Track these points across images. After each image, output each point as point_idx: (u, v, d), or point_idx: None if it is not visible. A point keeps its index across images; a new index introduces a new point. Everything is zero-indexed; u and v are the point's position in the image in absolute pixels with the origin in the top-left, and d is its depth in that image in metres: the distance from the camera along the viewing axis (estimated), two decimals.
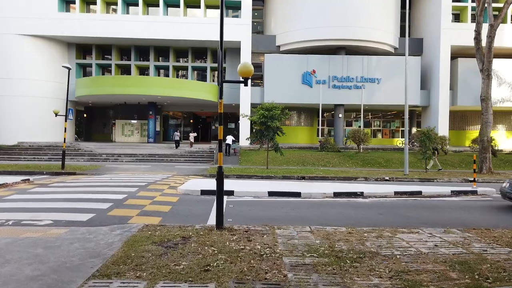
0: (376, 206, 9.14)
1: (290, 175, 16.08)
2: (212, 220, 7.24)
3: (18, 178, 12.50)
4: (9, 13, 25.68)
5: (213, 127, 34.26)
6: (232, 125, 32.86)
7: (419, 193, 10.64)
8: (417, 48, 29.55)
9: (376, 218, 7.93)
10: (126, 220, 7.06)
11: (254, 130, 18.50)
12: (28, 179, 12.36)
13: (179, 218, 7.44)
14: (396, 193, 10.51)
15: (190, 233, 5.75)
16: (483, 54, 17.94)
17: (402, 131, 32.76)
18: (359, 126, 33.17)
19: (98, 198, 9.02)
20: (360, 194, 10.27)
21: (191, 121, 33.95)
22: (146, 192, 10.06)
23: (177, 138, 24.85)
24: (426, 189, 11.32)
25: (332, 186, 11.63)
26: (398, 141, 29.97)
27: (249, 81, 5.72)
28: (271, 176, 15.83)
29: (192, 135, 25.48)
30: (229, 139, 25.21)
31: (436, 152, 19.36)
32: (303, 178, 15.88)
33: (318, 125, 32.30)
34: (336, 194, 10.14)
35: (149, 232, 5.84)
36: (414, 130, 32.11)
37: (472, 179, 15.95)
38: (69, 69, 16.19)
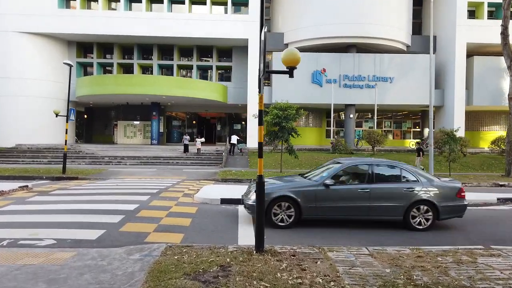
0: None
1: None
2: (244, 238, 6.17)
3: (15, 184, 11.40)
4: (7, 10, 24.59)
5: (219, 128, 33.16)
6: (238, 126, 31.76)
7: None
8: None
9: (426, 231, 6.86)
10: (143, 238, 5.97)
11: (267, 131, 17.39)
12: (27, 186, 11.26)
13: (204, 235, 6.35)
14: None
15: (227, 259, 4.66)
16: (511, 50, 16.89)
17: (414, 132, 31.77)
18: (370, 127, 32.21)
19: (106, 209, 7.92)
20: None
21: (194, 122, 32.84)
22: (160, 201, 8.97)
23: (186, 142, 23.09)
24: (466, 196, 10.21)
25: None
26: (411, 143, 28.92)
27: (295, 72, 4.60)
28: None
29: (199, 141, 23.29)
30: (234, 138, 24.60)
31: (421, 153, 18.37)
32: None
33: (329, 126, 31.26)
34: None
35: (176, 257, 4.75)
36: (426, 131, 31.08)
37: (503, 183, 14.97)
38: (70, 66, 15.10)
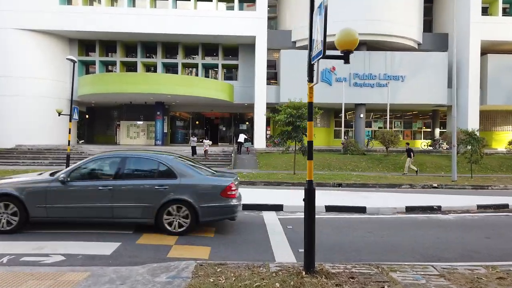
0: (469, 226, 7.25)
1: (324, 181, 14.22)
2: (280, 252, 5.36)
3: None
4: (7, 6, 23.78)
5: (224, 129, 32.34)
6: (244, 126, 30.94)
7: (505, 207, 8.78)
8: (441, 44, 27.76)
9: (486, 244, 6.04)
10: (165, 252, 5.16)
11: (280, 131, 16.59)
12: None
13: (233, 248, 5.54)
14: (479, 206, 8.62)
15: (276, 284, 3.84)
16: None
17: (424, 132, 30.99)
18: (379, 127, 31.41)
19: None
20: (438, 209, 8.39)
21: (197, 122, 31.99)
22: None
23: (194, 144, 21.56)
24: (505, 200, 9.43)
25: (393, 197, 9.75)
26: (423, 143, 28.13)
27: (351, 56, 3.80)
28: (303, 183, 13.92)
29: (207, 143, 21.86)
30: (241, 137, 24.07)
31: (412, 154, 17.57)
32: (339, 185, 14.03)
33: (338, 126, 30.49)
34: (409, 209, 8.26)
35: (211, 279, 3.94)
36: (437, 131, 30.31)
37: None
38: (74, 61, 14.29)
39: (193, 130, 30.83)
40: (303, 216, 7.74)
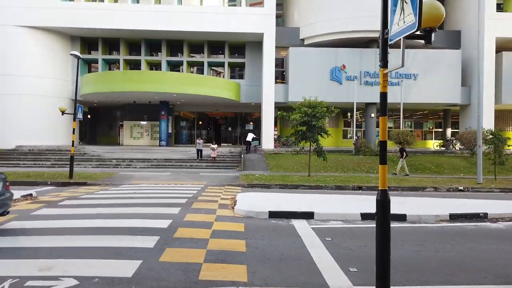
0: None
1: (343, 184, 13.46)
2: (330, 273, 4.56)
3: (17, 192, 9.79)
4: (7, 2, 23.02)
5: (230, 129, 31.55)
6: (250, 126, 30.13)
7: None
8: (454, 41, 26.98)
9: None
10: (195, 273, 4.36)
11: (294, 131, 15.82)
12: (31, 194, 9.66)
13: (272, 267, 4.74)
14: None
15: None
16: None
17: (436, 132, 30.22)
18: (389, 127, 30.63)
19: (133, 226, 6.32)
20: (484, 216, 7.60)
21: (200, 122, 31.19)
22: (195, 215, 7.36)
23: (200, 147, 20.67)
24: None
25: (429, 202, 8.97)
26: (435, 143, 27.37)
27: (433, 35, 2.98)
28: (321, 186, 13.22)
29: (215, 148, 20.57)
30: (250, 136, 23.60)
31: (404, 154, 16.88)
32: (359, 188, 13.29)
33: (347, 126, 29.76)
34: (453, 217, 7.47)
35: None
36: (449, 131, 29.54)
37: None
38: (78, 57, 13.47)
39: (198, 131, 30.08)
40: (339, 226, 7.00)
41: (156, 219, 6.92)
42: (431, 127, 30.11)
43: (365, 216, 7.30)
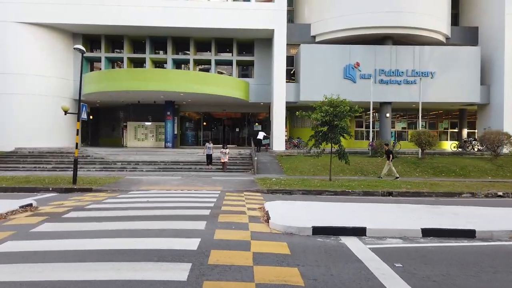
0: None
1: (371, 189, 12.36)
2: None
3: (15, 202, 8.67)
4: None
5: (236, 130, 30.42)
6: (258, 127, 28.99)
7: None
8: (471, 38, 25.91)
9: None
10: None
11: (314, 132, 14.70)
12: (30, 205, 8.52)
13: None
14: None
15: None
16: None
17: (451, 133, 29.13)
18: (403, 127, 29.57)
19: (155, 248, 5.18)
20: None
21: (205, 123, 30.06)
22: (226, 232, 6.21)
23: (209, 152, 18.53)
24: None
25: (484, 212, 7.85)
26: (452, 144, 26.28)
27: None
28: (347, 192, 12.11)
29: (227, 152, 18.36)
30: (261, 134, 22.66)
31: (391, 156, 15.70)
32: (389, 194, 12.19)
33: (360, 127, 28.66)
34: None
35: None
36: (465, 131, 28.46)
37: None
38: (82, 52, 12.34)
39: (205, 132, 28.96)
40: (400, 246, 5.85)
41: (181, 237, 5.79)
42: (446, 127, 29.01)
43: (426, 232, 6.16)
